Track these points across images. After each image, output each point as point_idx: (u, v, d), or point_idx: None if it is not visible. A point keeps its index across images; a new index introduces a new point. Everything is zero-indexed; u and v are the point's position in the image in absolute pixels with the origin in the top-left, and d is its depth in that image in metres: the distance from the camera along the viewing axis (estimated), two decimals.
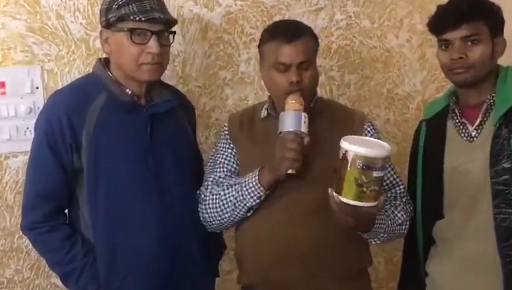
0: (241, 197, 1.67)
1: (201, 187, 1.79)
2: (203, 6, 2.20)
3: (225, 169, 1.79)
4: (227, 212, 1.70)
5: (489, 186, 1.67)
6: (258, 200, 1.65)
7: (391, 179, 1.78)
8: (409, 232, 1.82)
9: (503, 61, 1.77)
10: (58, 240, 1.72)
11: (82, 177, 1.72)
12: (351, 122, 1.78)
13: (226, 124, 1.88)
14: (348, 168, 1.45)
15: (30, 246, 1.91)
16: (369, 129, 1.78)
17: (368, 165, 1.44)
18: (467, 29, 1.68)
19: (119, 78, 1.75)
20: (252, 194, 1.65)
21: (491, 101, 1.71)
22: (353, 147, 1.44)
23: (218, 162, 1.81)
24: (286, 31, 1.71)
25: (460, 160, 1.75)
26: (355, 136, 1.59)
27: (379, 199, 1.49)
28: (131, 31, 1.66)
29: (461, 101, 1.79)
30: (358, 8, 2.34)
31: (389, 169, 1.76)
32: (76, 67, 2.06)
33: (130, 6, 1.66)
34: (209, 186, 1.76)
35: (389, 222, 1.68)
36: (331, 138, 1.61)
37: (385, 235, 1.69)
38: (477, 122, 1.73)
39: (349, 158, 1.44)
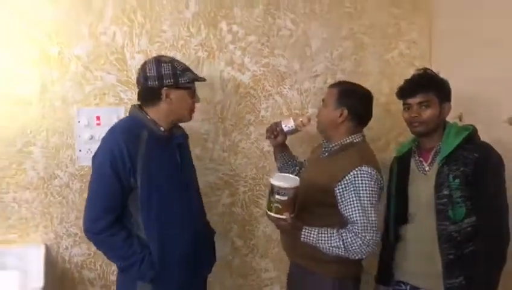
0: None
1: None
2: (237, 70, 2.55)
3: None
4: None
5: (434, 206, 1.96)
6: None
7: (351, 215, 1.96)
8: (385, 231, 2.13)
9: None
10: (120, 240, 1.89)
11: (135, 193, 1.90)
12: (343, 167, 1.98)
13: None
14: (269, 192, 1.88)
15: None
16: (350, 178, 1.95)
17: (274, 190, 1.87)
18: (421, 96, 1.98)
19: (157, 119, 1.96)
20: None
21: (438, 147, 2.01)
22: (271, 179, 1.88)
23: None
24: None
25: (418, 187, 2.05)
26: (282, 174, 2.09)
27: (282, 215, 1.88)
28: (194, 90, 2.00)
29: (420, 145, 2.11)
30: (345, 76, 2.67)
31: (356, 209, 1.93)
32: None
33: (189, 72, 1.94)
34: None
35: (321, 240, 1.93)
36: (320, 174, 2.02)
37: (322, 248, 1.94)
38: (429, 161, 2.03)
39: (272, 186, 1.88)
